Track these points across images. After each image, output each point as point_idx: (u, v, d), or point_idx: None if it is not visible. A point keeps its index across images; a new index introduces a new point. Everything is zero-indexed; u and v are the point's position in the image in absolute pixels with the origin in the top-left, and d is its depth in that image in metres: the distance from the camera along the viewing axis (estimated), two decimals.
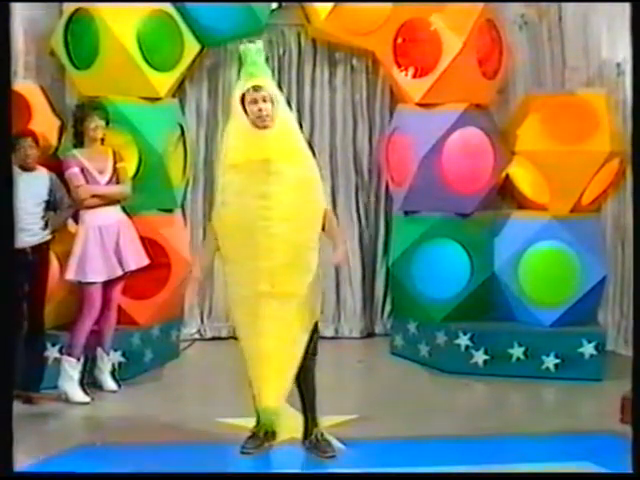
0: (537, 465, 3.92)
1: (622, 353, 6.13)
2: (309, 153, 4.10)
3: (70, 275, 5.05)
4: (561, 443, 4.32)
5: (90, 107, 5.22)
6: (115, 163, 5.21)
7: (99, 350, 5.19)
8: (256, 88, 3.90)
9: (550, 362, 5.58)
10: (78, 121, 5.15)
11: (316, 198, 4.01)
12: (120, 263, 5.12)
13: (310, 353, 4.00)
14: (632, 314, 2.21)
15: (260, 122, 3.88)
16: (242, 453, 4.11)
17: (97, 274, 5.06)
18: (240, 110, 3.95)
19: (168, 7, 5.71)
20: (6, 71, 2.00)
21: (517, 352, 5.61)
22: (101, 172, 5.14)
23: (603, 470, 3.87)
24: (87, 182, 5.09)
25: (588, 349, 5.56)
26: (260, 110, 3.87)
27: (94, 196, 5.08)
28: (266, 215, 3.83)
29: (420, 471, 3.86)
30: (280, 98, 4.03)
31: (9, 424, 1.96)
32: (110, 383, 5.20)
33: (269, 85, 3.99)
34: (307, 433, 4.18)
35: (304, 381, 4.08)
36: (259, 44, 4.04)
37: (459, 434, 4.48)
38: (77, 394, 5.00)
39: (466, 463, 3.99)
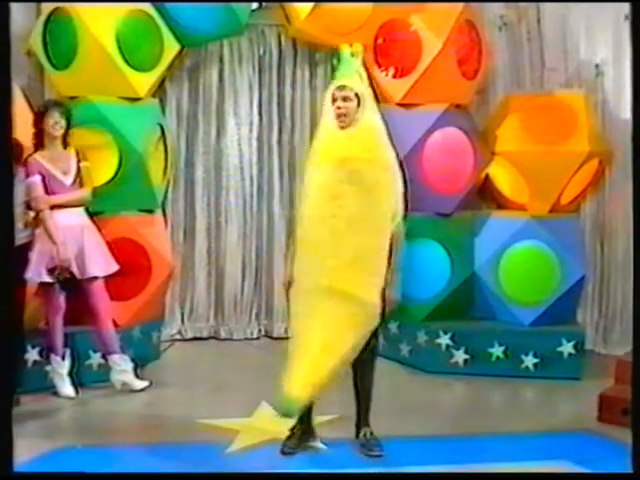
0: (515, 464, 3.94)
1: (601, 352, 6.19)
2: (393, 158, 4.05)
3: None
4: (539, 442, 4.34)
5: (51, 103, 5.10)
6: (79, 162, 5.08)
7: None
8: (340, 87, 3.97)
9: (529, 361, 5.61)
10: (38, 119, 4.99)
11: (385, 204, 3.96)
12: (81, 268, 4.99)
13: (366, 356, 4.03)
14: (632, 316, 2.23)
15: (338, 121, 3.95)
16: (283, 453, 4.13)
17: (38, 274, 4.89)
18: (328, 109, 4.02)
19: (147, 7, 5.69)
20: (6, 71, 1.99)
21: (497, 351, 5.65)
22: (65, 173, 5.02)
23: (580, 468, 3.91)
24: (51, 185, 4.94)
25: (567, 348, 5.59)
26: (339, 108, 3.93)
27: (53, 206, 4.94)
28: (336, 213, 3.88)
29: (399, 471, 3.89)
30: (368, 100, 4.03)
31: (9, 425, 1.95)
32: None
33: (356, 85, 4.00)
34: (357, 432, 4.25)
35: (360, 381, 4.17)
36: (358, 47, 4.15)
37: (439, 433, 4.49)
38: (64, 389, 5.01)
39: (446, 462, 4.00)
